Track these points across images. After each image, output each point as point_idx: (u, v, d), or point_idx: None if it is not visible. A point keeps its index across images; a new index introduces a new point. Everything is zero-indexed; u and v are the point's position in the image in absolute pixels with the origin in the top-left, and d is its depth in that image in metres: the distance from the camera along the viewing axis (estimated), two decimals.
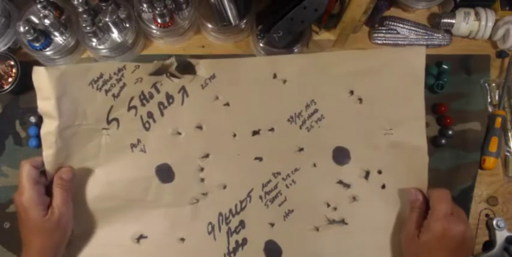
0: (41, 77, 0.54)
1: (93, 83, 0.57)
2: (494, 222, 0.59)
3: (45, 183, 0.53)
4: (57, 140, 0.54)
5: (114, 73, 0.58)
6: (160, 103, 0.59)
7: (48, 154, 0.55)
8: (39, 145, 0.60)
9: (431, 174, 0.60)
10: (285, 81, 0.60)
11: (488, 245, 0.59)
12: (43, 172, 0.54)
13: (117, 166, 0.58)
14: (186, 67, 0.60)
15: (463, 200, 0.60)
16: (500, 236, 0.58)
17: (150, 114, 0.59)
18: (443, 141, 0.61)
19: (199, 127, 0.59)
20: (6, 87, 0.59)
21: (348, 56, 0.60)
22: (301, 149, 0.59)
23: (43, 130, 0.55)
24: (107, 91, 0.58)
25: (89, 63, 0.60)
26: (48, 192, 0.53)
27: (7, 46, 0.61)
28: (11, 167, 0.61)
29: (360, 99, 0.59)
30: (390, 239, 0.57)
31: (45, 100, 0.54)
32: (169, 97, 0.59)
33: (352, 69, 0.59)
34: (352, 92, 0.59)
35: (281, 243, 0.57)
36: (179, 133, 0.59)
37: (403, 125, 0.58)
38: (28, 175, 0.51)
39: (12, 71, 0.60)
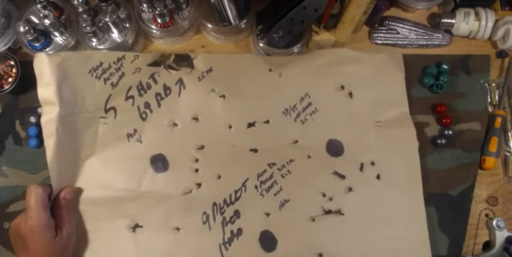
0: (42, 63, 0.55)
1: (93, 71, 0.58)
2: (494, 222, 0.59)
3: (49, 206, 0.53)
4: (58, 128, 0.55)
5: (114, 62, 0.59)
6: (157, 94, 0.60)
7: (48, 142, 0.55)
8: (39, 145, 0.60)
9: (431, 174, 0.61)
10: (280, 75, 0.62)
11: (488, 245, 0.59)
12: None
13: (112, 155, 0.58)
14: (184, 60, 0.61)
15: (463, 200, 0.60)
16: (500, 236, 0.58)
17: (147, 105, 0.60)
18: (443, 141, 0.61)
19: (195, 119, 0.60)
20: (6, 87, 0.59)
21: (337, 53, 0.63)
22: (296, 141, 0.60)
23: (43, 119, 0.55)
24: (105, 80, 0.59)
25: (90, 51, 0.60)
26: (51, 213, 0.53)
27: (7, 46, 0.61)
28: (11, 167, 0.60)
29: (350, 94, 0.61)
30: (386, 229, 0.57)
31: (46, 86, 0.55)
32: (167, 88, 0.60)
33: (340, 66, 0.62)
34: (342, 87, 0.62)
35: (276, 233, 0.57)
36: (175, 124, 0.60)
37: (390, 116, 0.61)
38: (38, 198, 0.51)
39: (12, 71, 0.60)
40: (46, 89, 0.55)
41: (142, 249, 0.56)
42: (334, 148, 0.60)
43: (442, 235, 0.59)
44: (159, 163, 0.58)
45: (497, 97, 0.64)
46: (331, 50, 0.64)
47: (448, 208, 0.60)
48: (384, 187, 0.59)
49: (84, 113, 0.58)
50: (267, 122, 0.60)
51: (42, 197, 0.51)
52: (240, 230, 0.57)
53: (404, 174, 0.59)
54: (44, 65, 0.55)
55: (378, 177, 0.59)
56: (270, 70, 0.62)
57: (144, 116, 0.59)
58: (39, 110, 0.61)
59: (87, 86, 0.58)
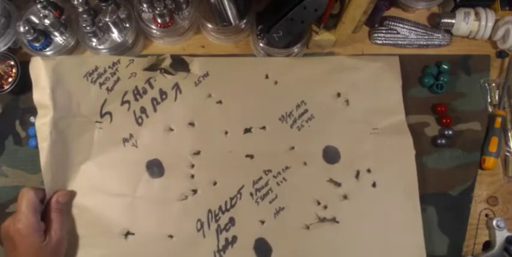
0: (37, 66, 0.56)
1: (88, 75, 0.59)
2: (494, 222, 0.59)
3: (41, 210, 0.53)
4: (52, 131, 0.55)
5: (109, 67, 0.59)
6: (153, 99, 0.60)
7: (43, 146, 0.55)
8: None
9: (431, 174, 0.61)
10: (276, 83, 0.62)
11: (488, 245, 0.59)
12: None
13: (108, 160, 0.58)
14: (180, 64, 0.61)
15: (463, 200, 0.60)
16: (500, 236, 0.58)
17: (143, 110, 0.60)
18: (443, 141, 0.61)
19: (192, 124, 0.60)
20: (6, 87, 0.59)
21: (333, 61, 0.63)
22: (292, 148, 0.60)
23: (38, 122, 0.56)
24: (101, 84, 0.59)
25: (84, 56, 0.60)
26: (42, 216, 0.53)
27: (7, 46, 0.61)
28: (11, 167, 0.60)
29: (347, 101, 0.61)
30: (382, 237, 0.57)
31: (41, 90, 0.56)
32: (163, 93, 0.60)
33: (337, 74, 0.62)
34: (339, 94, 0.62)
35: (271, 241, 0.57)
36: (171, 129, 0.60)
37: (387, 124, 0.61)
38: (29, 202, 0.51)
39: (12, 71, 0.60)
40: (41, 93, 0.56)
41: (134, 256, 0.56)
42: (331, 155, 0.60)
43: (442, 235, 0.59)
44: (155, 168, 0.58)
45: (497, 97, 0.64)
46: (328, 58, 0.64)
47: (448, 208, 0.60)
48: (379, 195, 0.58)
49: (79, 117, 0.58)
50: (263, 128, 0.60)
51: (33, 201, 0.51)
52: (234, 238, 0.57)
53: (400, 182, 0.59)
54: (39, 69, 0.56)
55: (374, 185, 0.59)
56: (267, 77, 0.62)
57: (140, 121, 0.59)
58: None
59: (83, 91, 0.58)
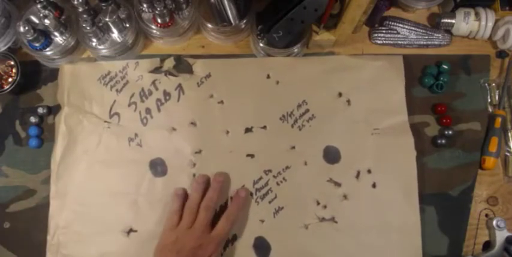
0: (61, 70, 0.62)
1: (101, 78, 0.62)
2: (494, 222, 0.59)
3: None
4: (62, 126, 0.60)
5: (119, 71, 0.62)
6: (158, 100, 0.62)
7: (56, 139, 0.59)
8: (39, 145, 0.60)
9: (431, 174, 0.61)
10: (277, 82, 0.62)
11: (488, 245, 0.59)
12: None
13: (113, 159, 0.59)
14: (183, 66, 0.63)
15: (463, 200, 0.60)
16: (500, 236, 0.58)
17: (148, 110, 0.61)
18: (443, 141, 0.61)
19: (193, 123, 0.61)
20: (6, 87, 0.59)
21: (335, 61, 0.63)
22: (292, 147, 0.60)
23: (56, 118, 0.61)
24: (111, 87, 0.62)
25: (99, 62, 0.63)
26: None
27: (7, 46, 0.61)
28: (11, 167, 0.61)
29: (348, 101, 0.61)
30: (380, 238, 0.57)
31: (61, 90, 0.62)
32: (167, 94, 0.62)
33: (339, 73, 0.62)
34: (340, 94, 0.62)
35: (270, 240, 0.57)
36: (174, 129, 0.61)
37: (389, 125, 0.61)
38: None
39: (12, 71, 0.60)
40: (60, 92, 0.62)
41: (135, 254, 0.56)
42: (331, 155, 0.60)
43: (442, 235, 0.59)
44: (158, 167, 0.59)
45: (497, 97, 0.64)
46: (330, 57, 0.64)
47: (448, 208, 0.60)
48: (379, 196, 0.58)
49: (91, 117, 0.60)
50: (264, 127, 0.61)
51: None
52: (234, 236, 0.57)
53: (400, 183, 0.59)
54: (62, 72, 0.62)
55: (374, 185, 0.59)
56: (268, 77, 0.62)
57: (145, 121, 0.61)
58: (39, 110, 0.61)
59: (96, 92, 0.62)
